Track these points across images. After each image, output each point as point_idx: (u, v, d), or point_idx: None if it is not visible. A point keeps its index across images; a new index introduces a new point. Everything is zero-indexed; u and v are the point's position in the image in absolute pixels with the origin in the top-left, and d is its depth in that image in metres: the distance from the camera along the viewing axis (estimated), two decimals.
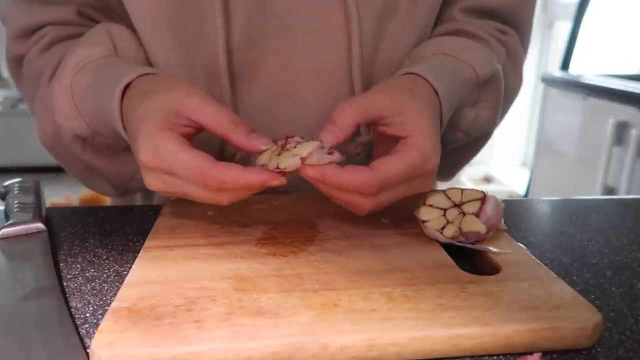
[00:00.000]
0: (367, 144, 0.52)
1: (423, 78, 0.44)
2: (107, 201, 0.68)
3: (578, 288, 0.39)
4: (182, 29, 0.49)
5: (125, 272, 0.41)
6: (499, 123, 0.57)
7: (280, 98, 0.52)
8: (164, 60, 0.51)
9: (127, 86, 0.42)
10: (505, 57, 0.55)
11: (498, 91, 0.52)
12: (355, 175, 0.38)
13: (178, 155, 0.37)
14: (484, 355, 0.31)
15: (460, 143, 0.55)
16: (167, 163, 0.37)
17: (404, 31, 0.53)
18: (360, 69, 0.50)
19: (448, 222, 0.42)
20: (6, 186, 0.53)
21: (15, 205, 0.49)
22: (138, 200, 0.65)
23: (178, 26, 0.49)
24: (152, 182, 0.39)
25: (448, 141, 0.54)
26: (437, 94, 0.43)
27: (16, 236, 0.45)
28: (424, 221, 0.42)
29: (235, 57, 0.51)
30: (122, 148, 0.50)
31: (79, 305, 0.36)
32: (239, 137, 0.38)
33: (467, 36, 0.53)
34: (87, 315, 0.35)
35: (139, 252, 0.40)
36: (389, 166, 0.38)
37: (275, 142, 0.40)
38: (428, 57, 0.50)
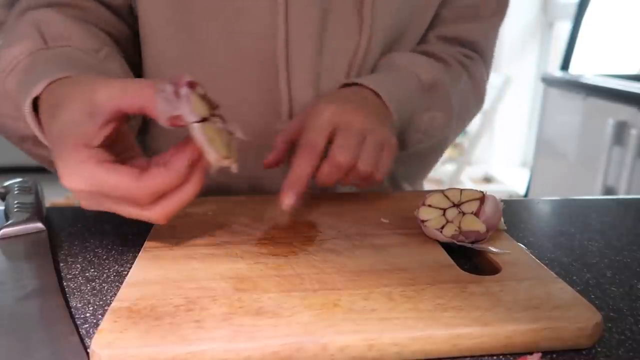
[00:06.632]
0: None
1: (365, 87, 0.51)
2: None
3: (578, 288, 0.39)
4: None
5: (125, 272, 0.41)
6: (457, 133, 0.67)
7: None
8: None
9: (42, 93, 0.38)
10: (465, 76, 0.63)
11: (447, 94, 0.59)
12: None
13: (99, 176, 0.34)
14: (484, 355, 0.31)
15: (422, 143, 0.60)
16: (91, 185, 0.34)
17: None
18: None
19: (448, 222, 0.42)
20: (6, 186, 0.53)
21: (15, 205, 0.49)
22: None
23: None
24: (86, 203, 0.37)
25: (413, 140, 0.59)
26: (378, 96, 0.50)
27: (16, 236, 0.45)
28: (423, 221, 0.42)
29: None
30: None
31: (79, 305, 0.36)
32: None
33: (432, 57, 0.60)
34: (87, 315, 0.35)
35: (139, 252, 0.40)
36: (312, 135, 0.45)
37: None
38: (377, 67, 0.58)
